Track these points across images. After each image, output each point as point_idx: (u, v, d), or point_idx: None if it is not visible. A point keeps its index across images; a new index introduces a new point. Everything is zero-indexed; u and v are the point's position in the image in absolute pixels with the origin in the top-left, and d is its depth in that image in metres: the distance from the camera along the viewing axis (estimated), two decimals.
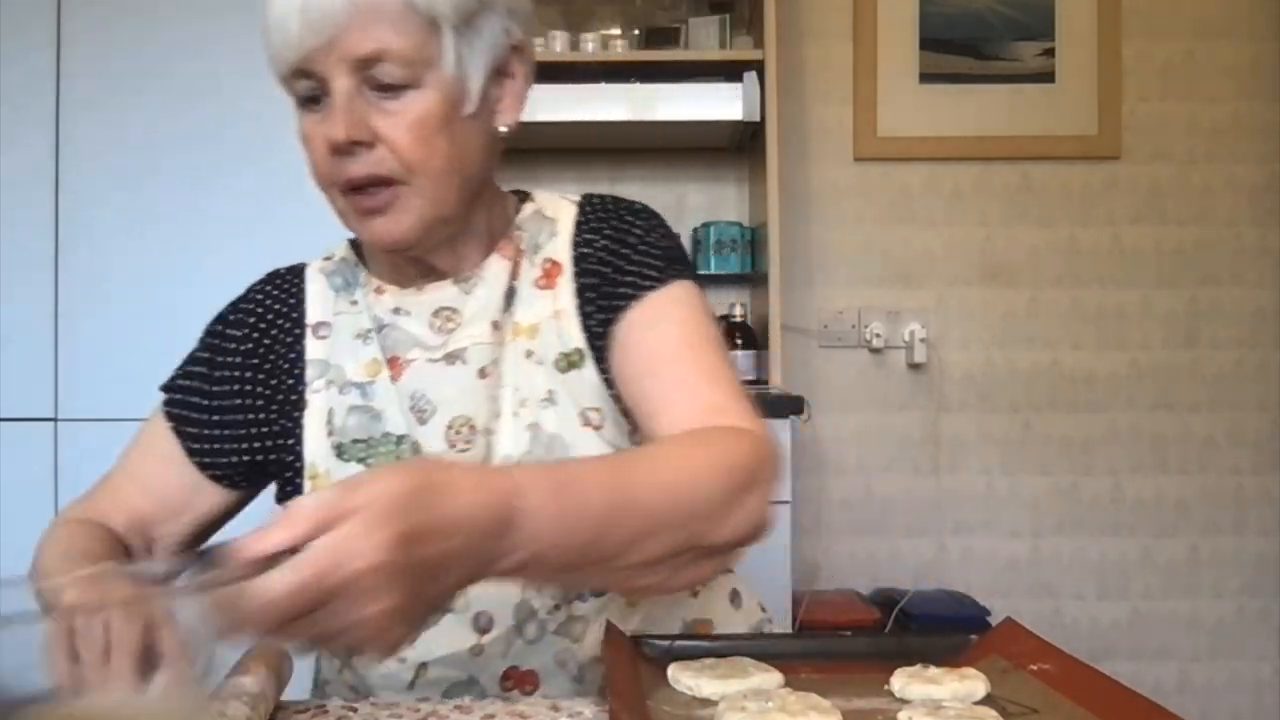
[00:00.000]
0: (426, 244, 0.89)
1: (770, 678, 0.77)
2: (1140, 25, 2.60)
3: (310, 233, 2.37)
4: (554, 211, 0.98)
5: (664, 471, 0.73)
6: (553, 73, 2.31)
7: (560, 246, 0.95)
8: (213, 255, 2.11)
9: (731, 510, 0.73)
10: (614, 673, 0.74)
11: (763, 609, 1.05)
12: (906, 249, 2.62)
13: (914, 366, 2.60)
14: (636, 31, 2.50)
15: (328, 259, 1.02)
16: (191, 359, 0.99)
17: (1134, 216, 2.62)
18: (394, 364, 0.93)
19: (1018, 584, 2.60)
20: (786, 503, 2.08)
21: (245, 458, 0.96)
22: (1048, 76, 2.59)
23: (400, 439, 0.91)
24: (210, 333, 1.00)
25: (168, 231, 2.09)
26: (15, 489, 2.05)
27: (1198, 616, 2.60)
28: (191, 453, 0.96)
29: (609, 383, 0.91)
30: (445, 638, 0.88)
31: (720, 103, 2.29)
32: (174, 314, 2.19)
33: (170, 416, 0.97)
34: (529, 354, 0.92)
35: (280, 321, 0.98)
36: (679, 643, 0.86)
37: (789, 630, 2.04)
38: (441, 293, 0.93)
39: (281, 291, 1.00)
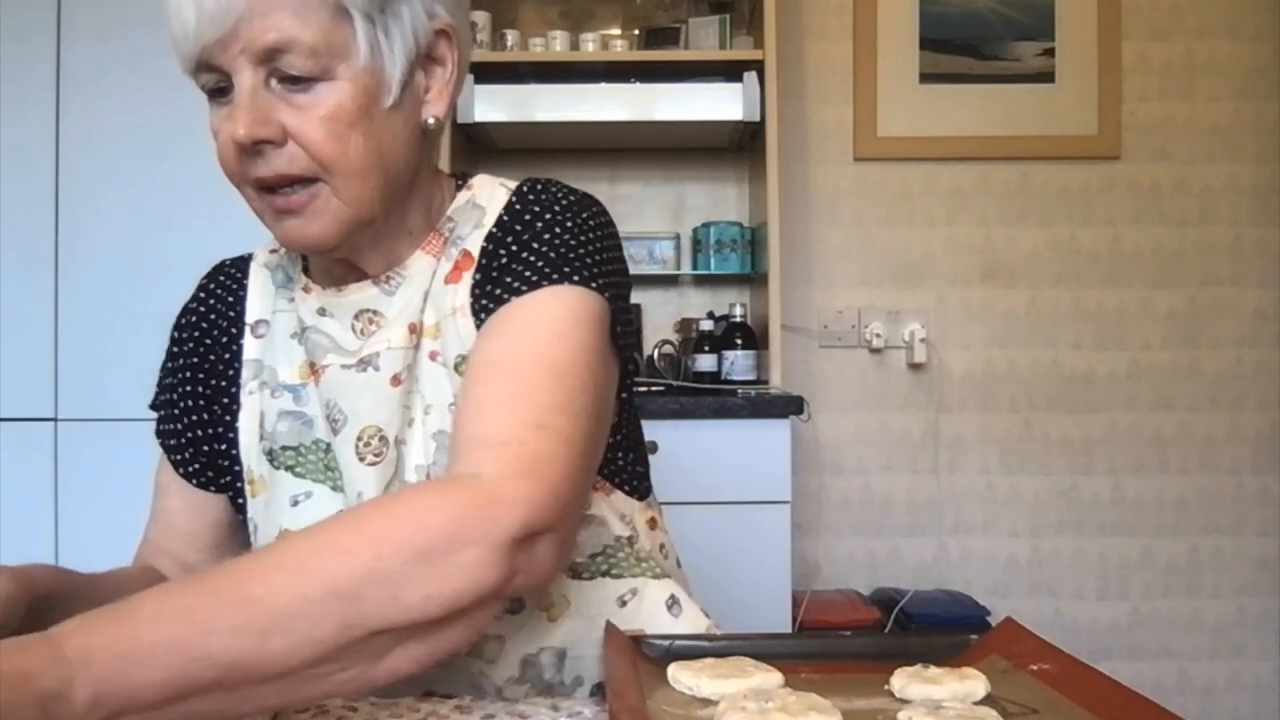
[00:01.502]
0: (347, 246, 0.83)
1: (770, 678, 0.77)
2: (1140, 25, 2.60)
3: None
4: (487, 199, 0.89)
5: (275, 556, 0.64)
6: (553, 73, 2.32)
7: (476, 238, 0.87)
8: (213, 255, 2.11)
9: (407, 583, 0.63)
10: (614, 673, 0.74)
11: (706, 615, 0.96)
12: (906, 249, 2.62)
13: (914, 366, 2.60)
14: (636, 31, 2.51)
15: (274, 251, 0.96)
16: (161, 369, 0.97)
17: (1134, 216, 2.62)
18: (314, 369, 0.87)
19: (1018, 584, 2.60)
20: (786, 503, 2.08)
21: (206, 460, 0.93)
22: (1048, 76, 2.59)
23: (329, 447, 0.87)
24: (170, 339, 0.97)
25: (168, 231, 2.09)
26: (15, 489, 2.05)
27: (1198, 616, 2.60)
28: (177, 465, 0.94)
29: None
30: None
31: (720, 103, 2.29)
32: (174, 315, 2.20)
33: (158, 434, 0.95)
34: (433, 355, 0.85)
35: (220, 321, 0.94)
36: (679, 643, 0.85)
37: (789, 630, 2.05)
38: (363, 294, 0.86)
39: (223, 289, 0.96)
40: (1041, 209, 2.62)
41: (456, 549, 0.65)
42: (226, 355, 0.92)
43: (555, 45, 2.36)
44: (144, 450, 2.27)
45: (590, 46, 2.38)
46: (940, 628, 2.21)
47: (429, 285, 0.86)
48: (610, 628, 0.83)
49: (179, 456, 0.93)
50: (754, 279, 2.55)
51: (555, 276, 0.80)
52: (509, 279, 0.81)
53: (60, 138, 2.08)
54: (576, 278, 0.81)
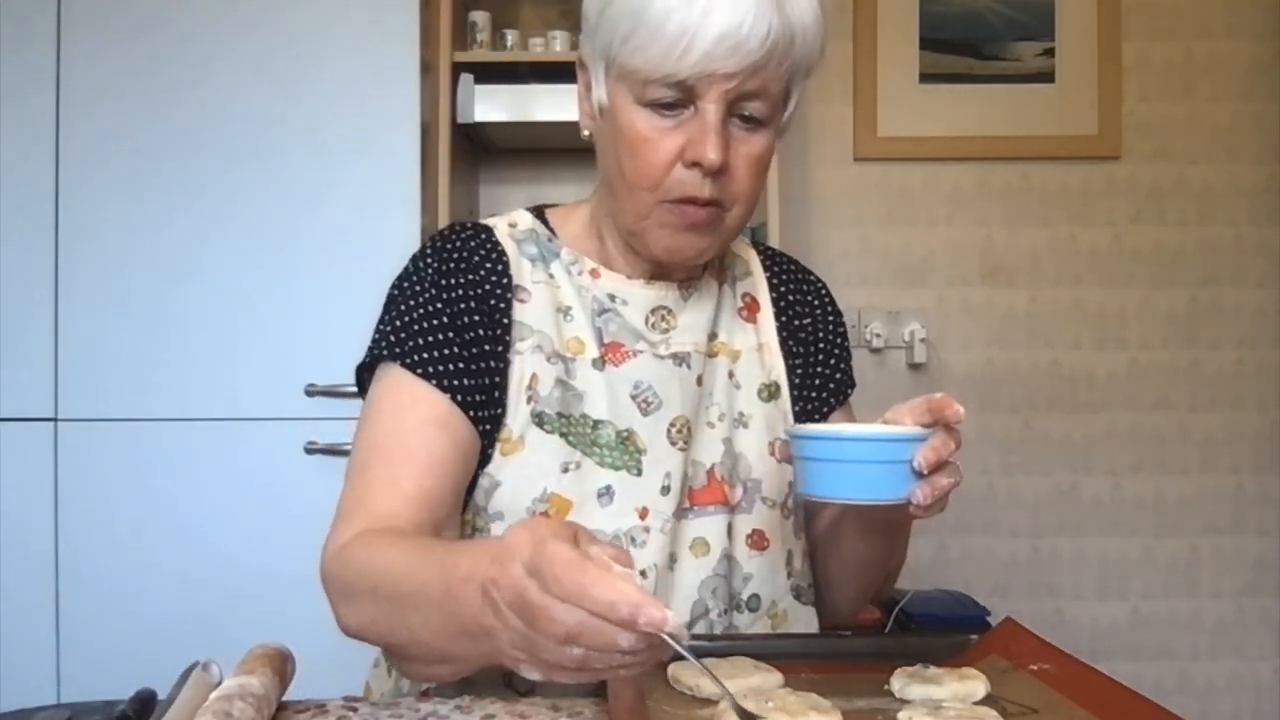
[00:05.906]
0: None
1: (770, 678, 0.77)
2: (1140, 25, 2.60)
3: (306, 230, 2.37)
4: (739, 251, 1.06)
5: None
6: (553, 73, 2.31)
7: (758, 288, 1.05)
8: (212, 256, 2.11)
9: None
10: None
11: None
12: (906, 249, 2.62)
13: (914, 366, 2.60)
14: None
15: (512, 225, 0.99)
16: (422, 315, 0.91)
17: (1134, 216, 2.62)
18: (615, 350, 0.95)
19: (1018, 584, 2.60)
20: None
21: (485, 396, 0.91)
22: (1048, 76, 2.59)
23: (597, 423, 0.92)
24: (430, 284, 0.93)
25: (167, 232, 2.09)
26: (15, 489, 2.05)
27: (1198, 616, 2.60)
28: (461, 400, 0.89)
29: (796, 418, 1.01)
30: None
31: None
32: (174, 315, 2.20)
33: (427, 375, 0.89)
34: (730, 375, 0.99)
35: (492, 276, 0.94)
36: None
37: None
38: (666, 293, 0.98)
39: (482, 250, 0.96)
40: (1042, 209, 2.62)
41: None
42: (499, 309, 0.93)
43: (555, 45, 2.36)
44: (144, 450, 2.26)
45: None
46: (940, 628, 2.21)
47: (715, 304, 1.00)
48: None
49: (462, 397, 0.89)
50: None
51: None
52: (838, 375, 1.08)
53: (60, 139, 2.08)
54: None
